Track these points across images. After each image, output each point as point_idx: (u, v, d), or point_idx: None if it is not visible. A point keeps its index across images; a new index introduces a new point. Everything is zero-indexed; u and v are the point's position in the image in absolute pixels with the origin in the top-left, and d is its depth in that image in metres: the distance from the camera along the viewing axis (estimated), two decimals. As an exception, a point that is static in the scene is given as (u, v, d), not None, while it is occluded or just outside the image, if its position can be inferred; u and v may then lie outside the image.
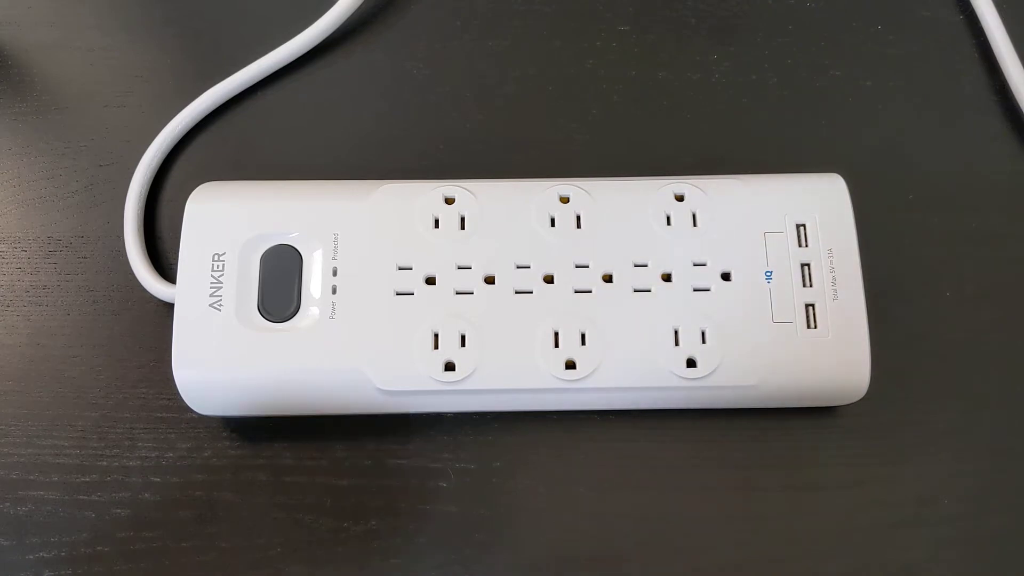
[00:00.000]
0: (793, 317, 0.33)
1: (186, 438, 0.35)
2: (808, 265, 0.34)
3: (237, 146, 0.39)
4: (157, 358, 0.36)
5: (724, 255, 0.34)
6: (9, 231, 0.38)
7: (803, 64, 0.41)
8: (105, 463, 0.34)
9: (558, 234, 0.34)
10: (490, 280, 0.33)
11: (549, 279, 0.34)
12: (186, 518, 0.34)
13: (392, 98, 0.40)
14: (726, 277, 0.34)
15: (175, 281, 0.34)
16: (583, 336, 0.33)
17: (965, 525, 0.34)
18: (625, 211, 0.34)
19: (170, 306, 0.34)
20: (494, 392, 0.33)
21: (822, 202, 0.34)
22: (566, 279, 0.33)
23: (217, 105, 0.39)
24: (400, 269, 0.34)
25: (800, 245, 0.34)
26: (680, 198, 0.35)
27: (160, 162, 0.38)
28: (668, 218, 0.34)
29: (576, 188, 0.35)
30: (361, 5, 0.40)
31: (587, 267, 0.34)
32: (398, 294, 0.33)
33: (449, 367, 0.32)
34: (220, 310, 0.33)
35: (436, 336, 0.33)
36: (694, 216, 0.34)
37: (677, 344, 0.33)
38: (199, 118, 0.39)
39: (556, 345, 0.33)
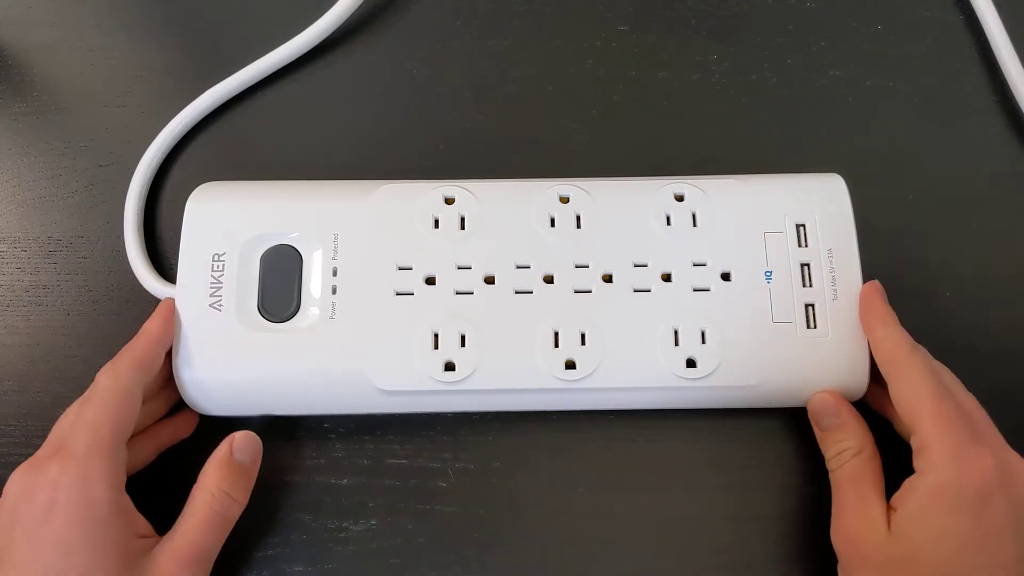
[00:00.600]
0: (793, 317, 0.33)
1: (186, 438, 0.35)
2: (808, 265, 0.34)
3: (237, 146, 0.39)
4: (157, 358, 0.36)
5: (724, 255, 0.34)
6: (9, 231, 0.38)
7: (803, 64, 0.41)
8: (105, 463, 0.34)
9: (558, 234, 0.34)
10: (490, 280, 0.33)
11: (549, 279, 0.34)
12: (186, 518, 0.34)
13: (392, 98, 0.40)
14: (726, 277, 0.34)
15: (175, 281, 0.34)
16: (583, 336, 0.33)
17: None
18: (625, 211, 0.34)
19: (170, 306, 0.34)
20: (494, 392, 0.33)
21: (822, 202, 0.34)
22: (566, 279, 0.33)
23: (217, 105, 0.39)
24: (400, 269, 0.34)
25: (800, 245, 0.34)
26: (680, 198, 0.35)
27: (160, 162, 0.38)
28: (668, 218, 0.34)
29: (576, 188, 0.35)
30: (361, 5, 0.40)
31: (587, 267, 0.34)
32: (398, 294, 0.33)
33: (449, 367, 0.32)
34: (220, 310, 0.33)
35: (436, 336, 0.33)
36: (694, 216, 0.34)
37: (677, 344, 0.33)
38: (199, 118, 0.39)
39: (556, 345, 0.33)
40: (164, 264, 0.37)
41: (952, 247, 0.37)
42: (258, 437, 0.33)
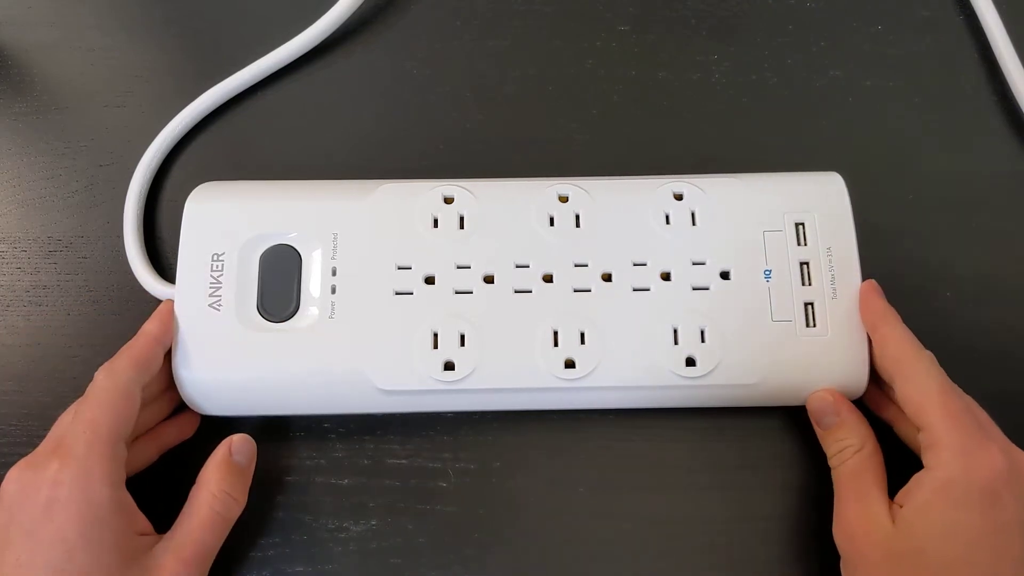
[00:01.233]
0: (792, 316, 0.33)
1: (186, 438, 0.35)
2: (807, 264, 0.34)
3: (237, 146, 0.39)
4: (157, 358, 0.36)
5: (723, 254, 0.34)
6: (9, 231, 0.38)
7: (803, 64, 0.41)
8: (105, 463, 0.34)
9: (557, 233, 0.34)
10: (489, 279, 0.33)
11: (548, 278, 0.34)
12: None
13: (392, 98, 0.40)
14: (725, 276, 0.34)
15: (175, 281, 0.34)
16: (582, 335, 0.33)
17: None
18: (624, 210, 0.34)
19: (170, 306, 0.34)
20: (494, 391, 0.33)
21: (821, 201, 0.34)
22: (565, 278, 0.33)
23: (217, 105, 0.39)
24: (399, 269, 0.34)
25: (799, 244, 0.34)
26: (679, 197, 0.35)
27: (160, 162, 0.38)
28: (667, 217, 0.34)
29: (575, 187, 0.35)
30: (361, 5, 0.40)
31: (586, 266, 0.34)
32: (397, 294, 0.33)
33: (449, 367, 0.32)
34: (219, 310, 0.33)
35: (436, 336, 0.33)
36: (693, 215, 0.34)
37: (676, 343, 0.33)
38: (199, 118, 0.39)
39: (555, 344, 0.33)
40: (164, 264, 0.37)
41: (952, 247, 0.37)
42: (253, 439, 0.33)
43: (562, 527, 0.34)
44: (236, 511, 0.32)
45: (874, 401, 0.34)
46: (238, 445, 0.32)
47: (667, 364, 0.32)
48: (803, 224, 0.34)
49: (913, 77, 0.40)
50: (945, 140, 0.39)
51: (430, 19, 0.41)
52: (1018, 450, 0.30)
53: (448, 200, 0.34)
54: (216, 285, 0.33)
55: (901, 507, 0.29)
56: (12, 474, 0.29)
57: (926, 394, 0.30)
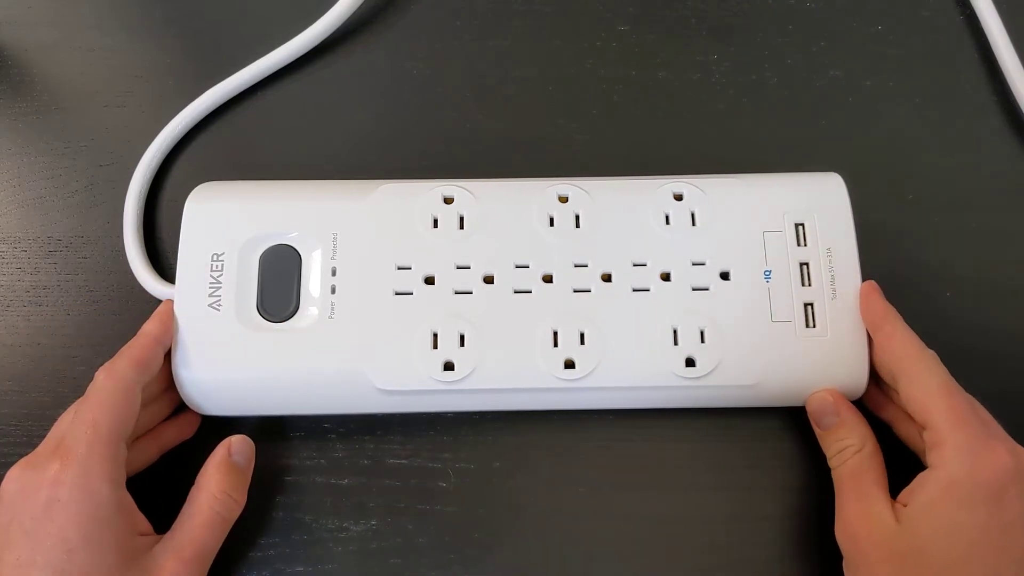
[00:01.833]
0: (792, 316, 0.33)
1: (186, 438, 0.35)
2: (807, 264, 0.34)
3: (237, 146, 0.39)
4: (157, 358, 0.36)
5: (723, 254, 0.34)
6: (9, 231, 0.38)
7: (803, 64, 0.41)
8: (105, 463, 0.34)
9: (557, 234, 0.34)
10: (489, 280, 0.33)
11: (548, 279, 0.34)
12: (186, 518, 0.34)
13: (392, 98, 0.40)
14: (725, 276, 0.34)
15: (175, 281, 0.34)
16: (582, 335, 0.33)
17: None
18: (624, 210, 0.34)
19: (170, 306, 0.34)
20: (493, 392, 0.33)
21: (821, 201, 0.34)
22: (565, 279, 0.33)
23: (217, 105, 0.39)
24: (399, 269, 0.34)
25: (799, 244, 0.34)
26: (679, 197, 0.35)
27: (160, 162, 0.38)
28: (667, 217, 0.34)
29: (575, 188, 0.35)
30: (361, 5, 0.40)
31: (586, 266, 0.34)
32: (397, 294, 0.33)
33: (448, 367, 0.32)
34: (219, 310, 0.33)
35: (435, 336, 0.33)
36: (693, 215, 0.34)
37: (676, 343, 0.33)
38: (199, 118, 0.39)
39: (555, 344, 0.33)
40: (164, 264, 0.37)
41: (952, 247, 0.37)
42: (251, 440, 0.33)
43: (562, 527, 0.34)
44: (236, 511, 0.32)
45: (874, 401, 0.34)
46: (237, 446, 0.32)
47: (667, 364, 0.32)
48: (803, 224, 0.34)
49: (913, 77, 0.40)
50: (945, 140, 0.39)
51: (430, 19, 0.41)
52: (1022, 449, 0.30)
53: (448, 200, 0.34)
54: (216, 285, 0.33)
55: (905, 506, 0.29)
56: (12, 473, 0.29)
57: (930, 393, 0.30)
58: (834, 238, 0.34)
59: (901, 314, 0.32)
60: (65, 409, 0.32)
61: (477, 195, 0.34)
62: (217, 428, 0.34)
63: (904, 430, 0.33)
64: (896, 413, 0.33)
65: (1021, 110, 0.39)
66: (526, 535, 0.34)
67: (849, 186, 0.35)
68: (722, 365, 0.32)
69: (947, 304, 0.37)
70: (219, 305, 0.33)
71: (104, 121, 0.40)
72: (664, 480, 0.34)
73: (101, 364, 0.31)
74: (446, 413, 0.35)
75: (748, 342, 0.33)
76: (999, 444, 0.29)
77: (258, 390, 0.33)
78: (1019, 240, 0.38)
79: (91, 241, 0.38)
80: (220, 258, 0.34)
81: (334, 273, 0.33)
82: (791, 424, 0.35)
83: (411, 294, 0.33)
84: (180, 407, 0.34)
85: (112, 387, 0.30)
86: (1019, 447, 0.30)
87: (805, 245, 0.34)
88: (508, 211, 0.34)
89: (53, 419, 0.32)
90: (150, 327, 0.32)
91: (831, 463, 0.33)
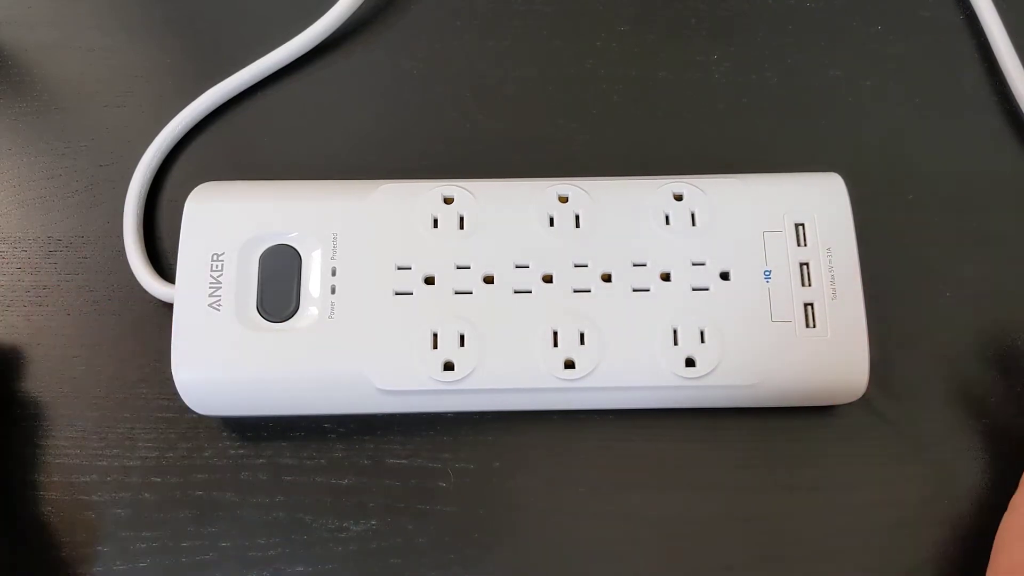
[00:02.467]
0: (792, 316, 0.33)
1: (186, 438, 0.35)
2: (807, 264, 0.34)
3: (237, 146, 0.39)
4: (157, 358, 0.36)
5: (723, 254, 0.34)
6: (9, 231, 0.38)
7: (803, 64, 0.41)
8: (105, 463, 0.35)
9: (557, 234, 0.34)
10: (489, 280, 0.33)
11: (548, 279, 0.33)
12: (186, 518, 0.34)
13: (392, 98, 0.40)
14: (725, 276, 0.34)
15: (175, 281, 0.34)
16: (582, 336, 0.33)
17: (965, 525, 0.34)
18: (624, 210, 0.34)
19: (170, 306, 0.34)
20: (493, 392, 0.33)
21: (821, 201, 0.34)
22: (565, 279, 0.33)
23: (217, 105, 0.39)
24: (399, 269, 0.34)
25: (799, 244, 0.34)
26: (679, 197, 0.35)
27: (160, 162, 0.38)
28: (667, 217, 0.34)
29: (575, 188, 0.35)
30: (361, 5, 0.40)
31: (586, 267, 0.34)
32: (397, 294, 0.33)
33: (448, 367, 0.32)
34: (219, 310, 0.33)
35: (435, 336, 0.33)
36: (693, 215, 0.34)
37: (676, 343, 0.33)
38: (199, 118, 0.39)
39: (555, 345, 0.33)
40: (164, 264, 0.37)
41: (952, 247, 0.37)
42: None
43: (562, 527, 0.34)
44: None
45: None
46: None
47: (667, 364, 0.32)
48: (803, 225, 0.34)
49: (913, 77, 0.40)
50: (945, 140, 0.39)
51: (430, 19, 0.41)
52: None
53: (448, 200, 0.34)
54: (216, 285, 0.33)
55: None
56: None
57: None
58: (834, 238, 0.34)
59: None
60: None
61: (477, 195, 0.34)
62: (217, 428, 0.34)
63: None
64: None
65: (1021, 110, 0.39)
66: (526, 535, 0.34)
67: (849, 186, 0.35)
68: (722, 365, 0.32)
69: (947, 304, 0.37)
70: (219, 305, 0.33)
71: (104, 121, 0.40)
72: (664, 480, 0.34)
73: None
74: (446, 413, 0.35)
75: (748, 342, 0.33)
76: None
77: (258, 390, 0.33)
78: (1019, 240, 0.38)
79: (91, 241, 0.38)
80: (220, 258, 0.34)
81: (334, 273, 0.33)
82: (791, 424, 0.35)
83: (411, 294, 0.33)
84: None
85: None
86: None
87: (805, 245, 0.34)
88: (508, 211, 0.34)
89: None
90: None
91: None
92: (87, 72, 0.40)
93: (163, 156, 0.38)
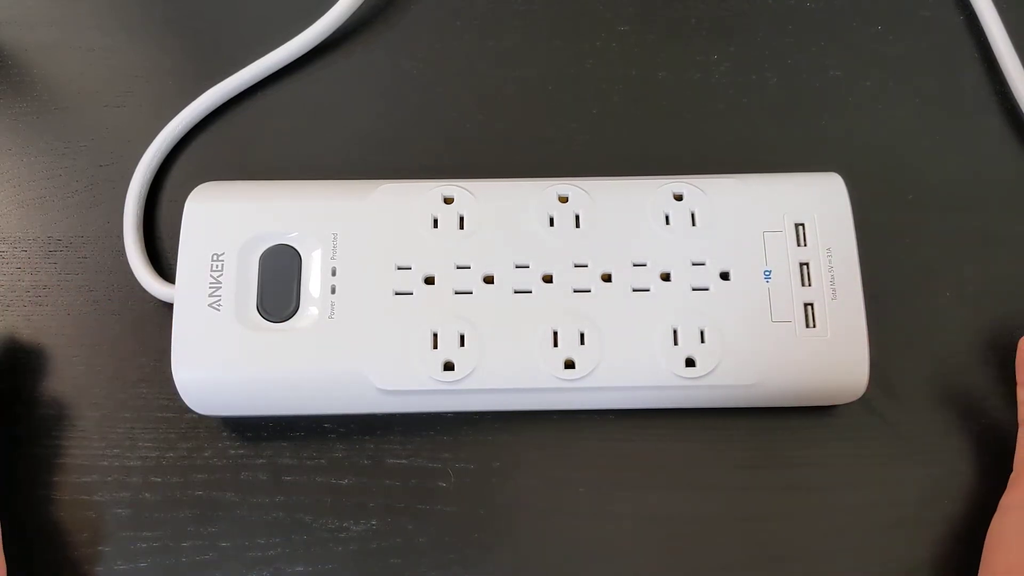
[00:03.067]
0: (792, 316, 0.33)
1: (186, 438, 0.35)
2: (807, 264, 0.34)
3: (237, 146, 0.39)
4: (157, 358, 0.36)
5: (723, 254, 0.34)
6: (9, 231, 0.38)
7: (803, 64, 0.41)
8: (105, 463, 0.35)
9: (557, 234, 0.34)
10: (489, 280, 0.33)
11: (548, 279, 0.34)
12: (186, 518, 0.34)
13: (392, 98, 0.40)
14: (725, 276, 0.34)
15: (175, 281, 0.34)
16: (582, 336, 0.33)
17: (965, 525, 0.34)
18: (624, 210, 0.34)
19: (170, 306, 0.34)
20: (493, 392, 0.33)
21: (821, 201, 0.34)
22: (565, 279, 0.33)
23: (217, 105, 0.39)
24: (399, 269, 0.34)
25: (799, 244, 0.34)
26: (679, 197, 0.35)
27: (160, 162, 0.38)
28: (667, 217, 0.34)
29: (575, 188, 0.35)
30: (361, 5, 0.40)
31: (586, 267, 0.34)
32: (397, 294, 0.33)
33: (448, 367, 0.32)
34: (219, 310, 0.33)
35: (435, 336, 0.33)
36: (693, 215, 0.34)
37: (676, 343, 0.33)
38: (199, 118, 0.39)
39: (555, 345, 0.33)
40: (164, 264, 0.37)
41: (952, 247, 0.37)
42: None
43: (562, 527, 0.34)
44: None
45: None
46: None
47: (667, 364, 0.32)
48: (803, 224, 0.34)
49: (913, 77, 0.40)
50: (945, 140, 0.39)
51: (430, 19, 0.41)
52: None
53: (448, 200, 0.34)
54: (216, 285, 0.33)
55: None
56: None
57: None
58: (834, 238, 0.34)
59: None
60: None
61: (477, 195, 0.34)
62: (217, 428, 0.34)
63: None
64: None
65: (1021, 110, 0.39)
66: (526, 535, 0.34)
67: (849, 186, 0.35)
68: (722, 365, 0.32)
69: (947, 304, 0.37)
70: (219, 305, 0.33)
71: (104, 121, 0.40)
72: (664, 480, 0.34)
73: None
74: (446, 413, 0.35)
75: (748, 342, 0.33)
76: None
77: (258, 390, 0.33)
78: (1019, 240, 0.38)
79: (91, 241, 0.38)
80: (220, 258, 0.34)
81: (334, 273, 0.33)
82: (791, 424, 0.35)
83: (411, 294, 0.33)
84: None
85: None
86: None
87: (805, 245, 0.34)
88: (508, 211, 0.34)
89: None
90: None
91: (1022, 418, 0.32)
92: (87, 72, 0.40)
93: (163, 156, 0.39)
